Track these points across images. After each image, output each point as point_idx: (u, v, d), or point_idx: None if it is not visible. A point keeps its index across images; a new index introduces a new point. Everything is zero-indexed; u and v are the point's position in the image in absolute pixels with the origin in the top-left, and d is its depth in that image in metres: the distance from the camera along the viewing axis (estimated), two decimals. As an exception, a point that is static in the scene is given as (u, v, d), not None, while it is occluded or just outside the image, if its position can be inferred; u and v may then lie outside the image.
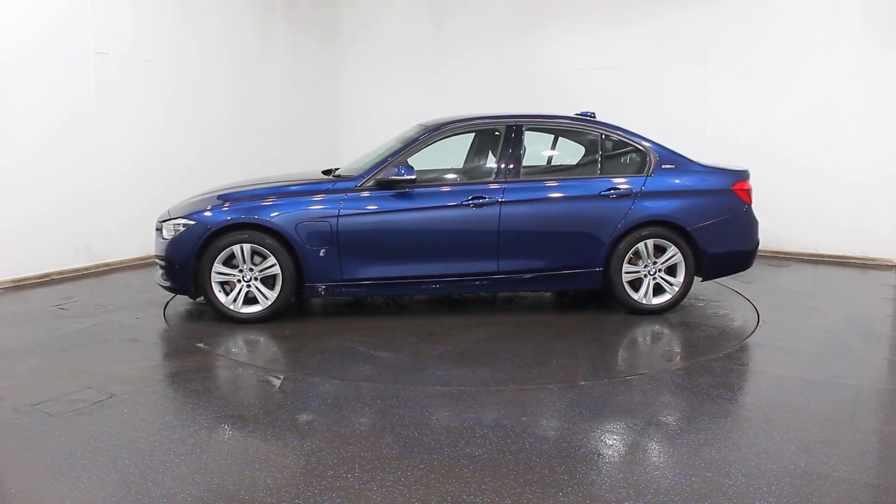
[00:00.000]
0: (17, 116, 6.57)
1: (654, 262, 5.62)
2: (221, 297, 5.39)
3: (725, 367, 4.54)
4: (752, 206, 5.83)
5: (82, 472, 3.12)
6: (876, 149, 7.80)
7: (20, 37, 6.55)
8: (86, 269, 7.28)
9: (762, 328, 5.43)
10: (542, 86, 9.34)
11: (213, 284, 5.36)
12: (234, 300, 5.40)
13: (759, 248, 6.02)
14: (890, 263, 7.79)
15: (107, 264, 7.49)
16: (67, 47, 6.94)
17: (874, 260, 7.89)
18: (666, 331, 5.39)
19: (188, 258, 5.34)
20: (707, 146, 8.17)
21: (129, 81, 7.56)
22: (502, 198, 5.49)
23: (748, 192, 5.79)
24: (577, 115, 6.04)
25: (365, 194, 5.46)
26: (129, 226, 7.66)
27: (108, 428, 3.56)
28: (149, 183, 7.83)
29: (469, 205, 5.47)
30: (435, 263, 5.51)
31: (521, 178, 5.65)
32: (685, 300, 5.89)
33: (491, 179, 5.63)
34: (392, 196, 5.46)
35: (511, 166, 5.64)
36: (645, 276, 5.64)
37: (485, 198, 5.48)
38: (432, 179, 5.89)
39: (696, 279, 5.80)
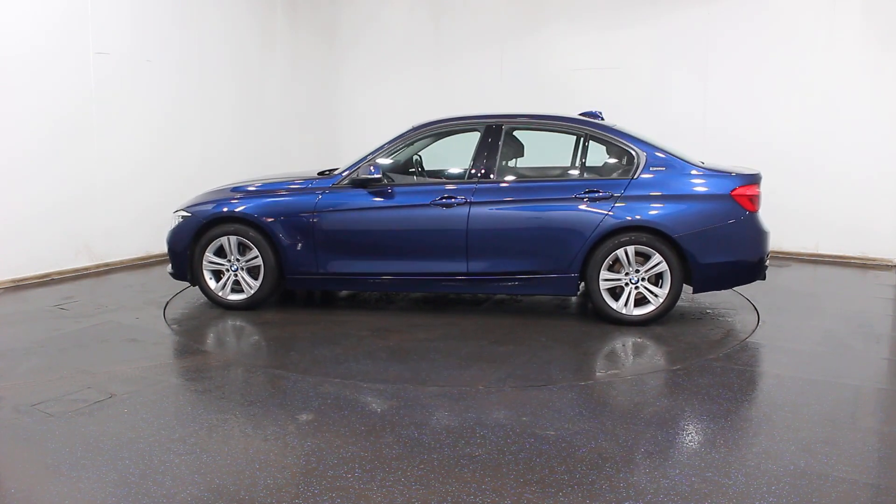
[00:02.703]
0: (17, 116, 6.57)
1: (638, 271, 5.32)
2: (212, 283, 5.82)
3: (725, 367, 4.54)
4: (758, 212, 5.40)
5: (82, 472, 3.12)
6: (876, 149, 7.81)
7: (20, 37, 6.55)
8: (86, 269, 7.28)
9: (762, 328, 5.42)
10: (542, 86, 9.34)
11: (204, 272, 5.79)
12: (223, 288, 5.80)
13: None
14: (890, 263, 7.80)
15: (107, 264, 7.49)
16: (67, 47, 6.94)
17: (874, 260, 7.89)
18: (642, 338, 5.37)
19: (185, 247, 5.79)
20: (707, 145, 8.17)
21: (129, 81, 7.57)
22: (472, 198, 5.45)
23: (752, 198, 5.32)
24: (581, 114, 5.98)
25: (340, 192, 5.66)
26: (129, 226, 7.66)
27: (108, 428, 3.56)
28: (149, 183, 7.84)
29: (438, 205, 5.48)
30: (406, 261, 5.58)
31: (496, 178, 5.56)
32: (681, 304, 5.87)
33: (465, 179, 5.60)
34: (365, 194, 5.61)
35: (486, 166, 5.57)
36: (626, 284, 5.35)
37: (454, 198, 5.47)
38: (411, 179, 5.98)
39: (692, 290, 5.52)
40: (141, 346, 4.95)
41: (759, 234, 5.39)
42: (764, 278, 5.54)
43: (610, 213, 5.29)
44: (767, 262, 5.53)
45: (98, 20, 7.18)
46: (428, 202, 5.51)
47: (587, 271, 5.36)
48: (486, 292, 5.83)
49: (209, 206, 5.81)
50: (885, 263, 7.81)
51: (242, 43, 9.05)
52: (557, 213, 5.39)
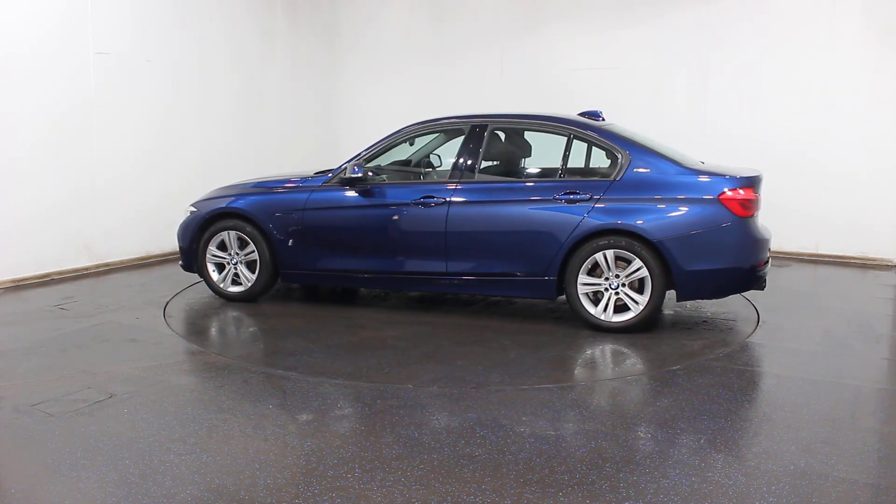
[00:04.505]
0: (17, 116, 6.57)
1: (618, 276, 5.11)
2: (215, 276, 6.08)
3: (725, 367, 4.54)
4: (753, 217, 5.08)
5: (82, 472, 3.12)
6: (876, 148, 7.81)
7: (20, 36, 6.55)
8: (86, 269, 7.28)
9: (762, 328, 5.42)
10: (542, 86, 9.33)
11: (208, 265, 6.06)
12: (224, 280, 6.06)
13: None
14: (890, 263, 7.79)
15: (107, 264, 7.48)
16: (67, 47, 6.94)
17: (874, 260, 7.89)
18: (616, 343, 5.36)
19: (191, 240, 6.08)
20: (708, 146, 8.16)
21: (129, 81, 7.56)
22: (451, 198, 5.45)
23: (743, 202, 4.98)
24: (581, 114, 5.94)
25: (328, 191, 5.79)
26: (130, 226, 7.66)
27: (108, 428, 3.56)
28: (149, 183, 7.83)
29: (419, 204, 5.50)
30: (387, 260, 5.66)
31: (477, 178, 5.54)
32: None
33: (447, 179, 5.60)
34: (352, 193, 5.72)
35: (468, 166, 5.54)
36: (606, 289, 5.15)
37: (433, 198, 5.48)
38: (401, 178, 6.08)
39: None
40: (141, 346, 4.95)
41: (751, 241, 5.09)
42: (762, 287, 5.27)
43: (588, 215, 5.11)
44: (766, 269, 5.25)
45: (98, 20, 7.17)
46: (408, 201, 5.54)
47: (565, 275, 5.23)
48: (465, 293, 5.83)
49: (214, 202, 6.06)
50: (885, 263, 7.81)
51: (242, 43, 9.05)
52: (534, 214, 5.29)
